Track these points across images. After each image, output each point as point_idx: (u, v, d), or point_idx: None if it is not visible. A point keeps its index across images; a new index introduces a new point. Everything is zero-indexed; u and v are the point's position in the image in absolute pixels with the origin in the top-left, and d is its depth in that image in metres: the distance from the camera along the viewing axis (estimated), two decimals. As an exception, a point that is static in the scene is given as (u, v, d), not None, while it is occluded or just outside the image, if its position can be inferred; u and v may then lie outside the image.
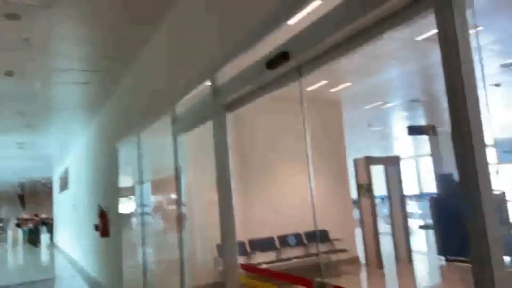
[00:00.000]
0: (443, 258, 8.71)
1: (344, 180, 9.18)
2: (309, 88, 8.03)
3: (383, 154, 14.62)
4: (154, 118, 4.89)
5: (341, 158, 9.18)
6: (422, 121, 13.40)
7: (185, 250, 4.43)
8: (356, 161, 9.04)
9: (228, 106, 3.37)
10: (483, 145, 1.57)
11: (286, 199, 8.50)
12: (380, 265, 8.49)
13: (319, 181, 9.49)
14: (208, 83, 3.48)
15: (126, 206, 7.15)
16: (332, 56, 2.35)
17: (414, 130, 12.48)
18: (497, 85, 9.07)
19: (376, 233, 8.58)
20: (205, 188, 7.54)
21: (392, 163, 9.11)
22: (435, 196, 9.07)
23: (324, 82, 7.52)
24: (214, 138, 3.50)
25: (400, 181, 8.94)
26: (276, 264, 7.80)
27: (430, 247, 9.43)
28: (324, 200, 8.95)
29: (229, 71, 3.23)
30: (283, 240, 8.28)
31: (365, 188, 8.72)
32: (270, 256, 8.05)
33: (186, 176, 4.92)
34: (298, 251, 8.25)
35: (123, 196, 7.16)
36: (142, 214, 6.16)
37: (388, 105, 10.43)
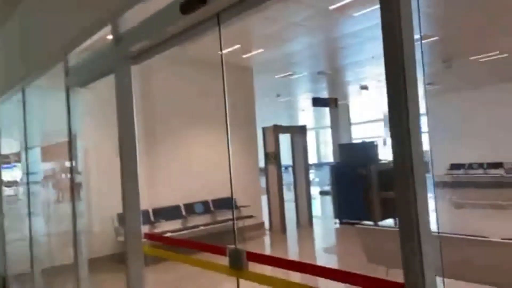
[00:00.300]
0: (338, 221, 9.35)
1: (253, 148, 9.21)
2: (221, 52, 7.74)
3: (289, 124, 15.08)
4: (43, 70, 4.20)
5: (251, 126, 9.16)
6: (325, 94, 14.03)
7: (80, 220, 3.99)
8: (264, 130, 9.09)
9: (133, 57, 2.97)
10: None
11: (194, 165, 8.26)
12: (283, 229, 8.80)
13: (230, 148, 9.30)
14: (109, 29, 3.01)
15: (11, 174, 6.39)
16: (253, 3, 2.13)
17: (318, 102, 13.00)
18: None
19: (281, 200, 8.83)
20: (106, 153, 7.00)
21: (298, 133, 9.36)
22: (334, 164, 9.59)
23: (237, 46, 7.27)
24: (116, 95, 3.08)
25: (305, 150, 9.26)
26: (182, 232, 7.60)
27: (328, 212, 10.05)
28: (233, 167, 8.91)
29: (135, 16, 2.82)
30: (190, 208, 8.07)
31: (272, 157, 8.85)
32: (176, 224, 7.81)
33: (83, 140, 4.38)
34: (205, 219, 8.14)
35: (6, 164, 6.33)
36: (29, 183, 5.43)
37: (296, 75, 10.61)
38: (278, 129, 8.90)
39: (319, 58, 9.27)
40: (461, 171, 15.14)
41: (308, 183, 9.28)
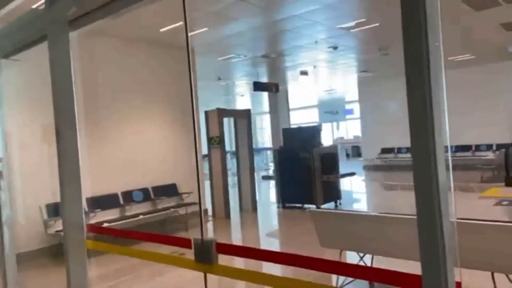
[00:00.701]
0: (281, 205, 9.39)
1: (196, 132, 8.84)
2: (164, 29, 7.25)
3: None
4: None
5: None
6: (264, 79, 13.95)
7: (4, 211, 3.49)
8: (208, 114, 8.77)
9: (71, 21, 2.54)
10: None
11: (133, 150, 7.76)
12: (227, 215, 8.63)
13: (170, 132, 8.94)
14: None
15: None
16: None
17: (259, 86, 12.89)
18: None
19: (225, 186, 8.63)
20: (32, 137, 6.27)
21: (242, 117, 9.17)
22: (278, 148, 9.57)
23: (180, 23, 6.83)
24: (50, 66, 2.63)
25: (249, 135, 9.10)
26: (120, 222, 7.10)
27: (271, 197, 10.07)
28: (174, 152, 8.56)
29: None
30: (128, 196, 7.57)
31: (216, 141, 8.59)
32: (113, 214, 7.29)
33: (4, 122, 3.82)
34: (145, 207, 7.70)
35: None
36: None
37: (238, 58, 10.36)
38: (222, 113, 8.63)
39: (263, 40, 9.09)
40: (391, 155, 15.99)
41: (252, 168, 9.16)
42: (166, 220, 7.81)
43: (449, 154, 1.40)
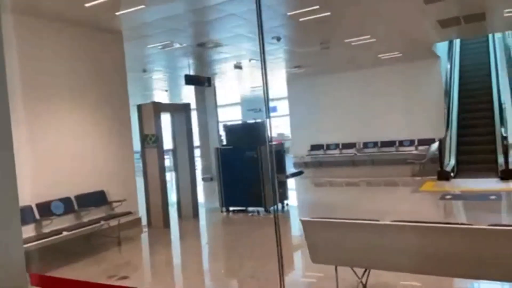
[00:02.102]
0: (225, 209, 8.58)
1: (126, 129, 7.64)
2: (88, 4, 5.95)
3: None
4: None
5: (123, 103, 7.56)
6: (193, 71, 12.93)
7: None
8: (141, 108, 7.60)
9: None
10: None
11: (52, 152, 6.34)
12: (166, 224, 7.56)
13: (96, 130, 7.39)
14: None
15: None
16: None
17: (191, 80, 11.87)
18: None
19: (163, 190, 7.55)
20: None
21: (181, 112, 8.14)
22: (220, 147, 8.72)
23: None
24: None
25: (189, 132, 8.12)
26: (36, 243, 5.67)
27: (214, 200, 9.18)
28: (101, 153, 7.24)
29: None
30: (46, 209, 6.13)
31: (152, 139, 7.46)
32: (26, 232, 5.81)
33: None
34: (68, 220, 6.32)
35: None
36: None
37: (173, 46, 9.27)
38: (157, 107, 7.52)
39: (203, 26, 8.12)
40: (320, 152, 16.05)
41: (193, 169, 8.19)
42: (93, 235, 6.53)
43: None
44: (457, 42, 14.72)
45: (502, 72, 13.05)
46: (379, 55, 12.48)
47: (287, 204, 8.65)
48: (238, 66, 11.99)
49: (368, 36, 9.73)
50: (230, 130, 8.69)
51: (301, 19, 7.65)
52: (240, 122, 12.73)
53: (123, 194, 6.97)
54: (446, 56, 14.33)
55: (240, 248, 6.21)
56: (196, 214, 8.22)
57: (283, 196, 8.49)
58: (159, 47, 9.10)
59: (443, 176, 10.32)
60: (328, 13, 7.43)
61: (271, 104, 24.86)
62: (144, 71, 11.52)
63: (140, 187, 7.73)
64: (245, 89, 21.24)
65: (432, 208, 7.86)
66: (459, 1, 7.51)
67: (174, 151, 8.33)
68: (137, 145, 7.74)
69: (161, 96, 18.82)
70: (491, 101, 12.54)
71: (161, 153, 7.49)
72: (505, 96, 12.28)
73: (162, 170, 7.51)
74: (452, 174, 10.57)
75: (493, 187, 8.95)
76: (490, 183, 9.45)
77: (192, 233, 7.75)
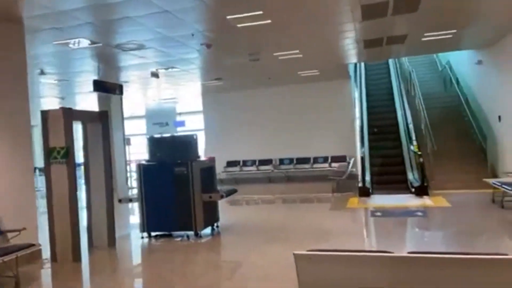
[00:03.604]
0: (147, 235, 7.45)
1: (25, 141, 6.15)
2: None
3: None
4: None
5: (21, 110, 6.10)
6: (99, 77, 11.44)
7: None
8: (46, 115, 6.18)
9: None
10: None
11: None
12: (77, 257, 6.17)
13: None
14: None
15: None
16: None
17: (100, 86, 10.45)
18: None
19: (73, 214, 6.16)
20: None
21: (96, 120, 6.85)
22: (143, 163, 7.59)
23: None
24: None
25: (107, 144, 6.86)
26: None
27: (133, 224, 7.94)
28: None
29: None
30: None
31: (61, 154, 6.08)
32: None
33: None
34: None
35: None
36: None
37: (84, 45, 7.92)
38: (69, 114, 6.17)
39: (126, 23, 7.00)
40: (236, 168, 15.53)
41: (109, 189, 6.90)
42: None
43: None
44: (362, 64, 15.60)
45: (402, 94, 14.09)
46: (299, 72, 12.53)
47: (217, 226, 7.84)
48: (155, 74, 10.91)
49: (297, 51, 9.59)
50: (155, 143, 7.62)
51: (239, 25, 7.08)
52: (167, 135, 11.57)
53: (21, 222, 5.48)
54: (354, 77, 15.09)
55: (169, 283, 5.22)
56: (112, 242, 6.93)
57: (215, 217, 7.68)
58: (69, 43, 7.69)
59: (364, 192, 10.53)
60: (269, 21, 6.99)
61: (179, 118, 23.76)
62: (42, 73, 9.74)
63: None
64: (152, 101, 19.84)
65: (372, 227, 7.81)
66: (389, 21, 7.70)
67: (86, 167, 6.98)
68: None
69: (52, 104, 16.48)
70: (396, 121, 13.39)
71: (72, 170, 6.13)
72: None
73: (73, 190, 6.14)
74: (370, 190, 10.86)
75: (413, 203, 9.33)
76: (408, 199, 9.87)
77: (109, 266, 6.46)
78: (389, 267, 2.70)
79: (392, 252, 2.65)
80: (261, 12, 6.51)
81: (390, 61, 15.70)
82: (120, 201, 7.62)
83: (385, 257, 2.67)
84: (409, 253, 2.65)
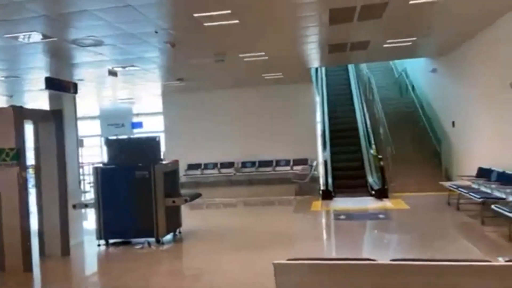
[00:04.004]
0: (104, 243, 7.03)
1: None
2: None
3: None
4: None
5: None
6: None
7: None
8: (-7, 112, 5.66)
9: None
10: None
11: None
12: (28, 267, 5.69)
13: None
14: None
15: None
16: None
17: (53, 84, 9.77)
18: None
19: (23, 220, 5.67)
20: None
21: (50, 120, 6.38)
22: (100, 166, 7.16)
23: None
24: None
25: (61, 145, 6.40)
26: None
27: (89, 230, 7.47)
28: None
29: None
30: None
31: (10, 156, 5.59)
32: None
33: None
34: None
35: None
36: None
37: (36, 39, 7.36)
38: (21, 113, 5.68)
39: (86, 17, 6.55)
40: (198, 171, 15.20)
41: (63, 193, 6.43)
42: None
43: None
44: (322, 69, 15.80)
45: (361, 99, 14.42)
46: (264, 75, 12.45)
47: (179, 232, 7.56)
48: (112, 72, 10.40)
49: (263, 53, 9.49)
50: (115, 145, 7.22)
51: (206, 24, 6.85)
52: (124, 136, 11.05)
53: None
54: (315, 82, 15.26)
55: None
56: (66, 251, 6.46)
57: (178, 223, 7.40)
58: (19, 37, 7.12)
59: (327, 195, 10.61)
60: (237, 21, 6.83)
61: (136, 119, 23.00)
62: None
63: None
64: (108, 101, 19.04)
65: (338, 231, 7.81)
66: (354, 27, 7.78)
67: (37, 170, 6.47)
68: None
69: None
70: (356, 125, 13.66)
71: (23, 173, 5.64)
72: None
73: (24, 195, 5.66)
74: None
75: (374, 206, 9.50)
76: (369, 201, 10.05)
77: (62, 277, 6.01)
78: (372, 275, 2.62)
79: (375, 260, 2.56)
80: (229, 12, 6.33)
81: (349, 66, 16.04)
82: (74, 206, 7.14)
83: (368, 265, 2.58)
84: (392, 260, 2.57)
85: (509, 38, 7.46)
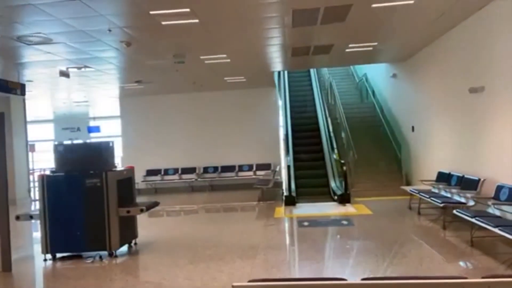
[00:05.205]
0: (51, 257, 6.46)
1: None
2: None
3: None
4: None
5: None
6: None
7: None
8: None
9: None
10: None
11: None
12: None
13: None
14: None
15: None
16: None
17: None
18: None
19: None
20: None
21: (-12, 123, 5.76)
22: (48, 174, 6.59)
23: None
24: None
25: (2, 149, 5.80)
26: None
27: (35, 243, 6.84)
28: None
29: None
30: None
31: None
32: None
33: None
34: None
35: None
36: None
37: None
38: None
39: (35, 13, 6.02)
40: (158, 177, 14.64)
41: (3, 204, 5.82)
42: None
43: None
44: (285, 73, 15.73)
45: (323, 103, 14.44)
46: (226, 78, 12.17)
47: (135, 244, 7.10)
48: (64, 73, 9.76)
49: (225, 55, 9.21)
50: (63, 151, 6.66)
51: (164, 22, 6.49)
52: (79, 141, 10.31)
53: None
54: (278, 86, 15.15)
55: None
56: (8, 267, 5.85)
57: (133, 233, 6.94)
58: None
59: (290, 201, 10.43)
60: (196, 21, 6.52)
61: (93, 123, 22.04)
62: None
63: None
64: (62, 104, 18.07)
65: (302, 239, 7.57)
66: (317, 30, 7.68)
67: (-27, 179, 5.83)
68: None
69: None
70: (319, 129, 13.63)
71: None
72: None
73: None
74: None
75: (337, 211, 9.42)
76: (332, 207, 9.97)
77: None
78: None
79: (345, 280, 2.32)
80: (188, 10, 6.02)
81: (311, 70, 16.07)
82: (17, 218, 6.53)
83: (338, 285, 2.34)
84: (363, 279, 2.35)
85: (467, 44, 7.60)
